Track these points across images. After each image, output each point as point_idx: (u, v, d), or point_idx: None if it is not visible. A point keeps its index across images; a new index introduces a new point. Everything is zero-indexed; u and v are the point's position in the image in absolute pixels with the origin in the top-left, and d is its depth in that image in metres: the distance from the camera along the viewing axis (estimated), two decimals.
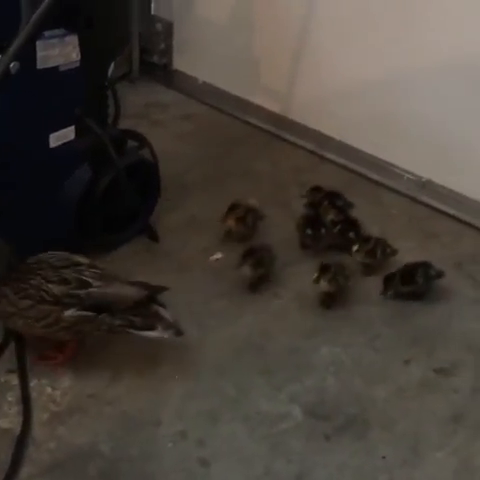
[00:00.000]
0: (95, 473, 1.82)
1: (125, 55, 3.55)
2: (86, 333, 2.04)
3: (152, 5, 3.69)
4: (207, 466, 1.87)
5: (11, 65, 1.70)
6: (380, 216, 2.91)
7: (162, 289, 2.09)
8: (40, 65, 2.07)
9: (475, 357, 2.26)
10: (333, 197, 2.81)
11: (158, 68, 3.78)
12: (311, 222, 2.67)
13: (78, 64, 2.17)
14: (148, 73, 3.71)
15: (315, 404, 2.07)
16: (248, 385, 2.11)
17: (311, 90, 3.26)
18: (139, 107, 3.53)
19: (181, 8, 3.64)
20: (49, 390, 2.04)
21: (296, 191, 2.99)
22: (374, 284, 2.51)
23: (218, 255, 2.59)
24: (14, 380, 2.05)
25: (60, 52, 2.10)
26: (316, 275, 2.36)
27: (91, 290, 1.99)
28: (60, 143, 2.27)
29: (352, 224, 2.70)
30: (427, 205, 2.98)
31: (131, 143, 2.63)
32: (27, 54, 1.93)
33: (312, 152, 3.29)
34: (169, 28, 3.68)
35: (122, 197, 2.47)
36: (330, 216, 2.72)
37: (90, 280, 2.00)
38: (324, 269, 2.36)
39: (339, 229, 2.68)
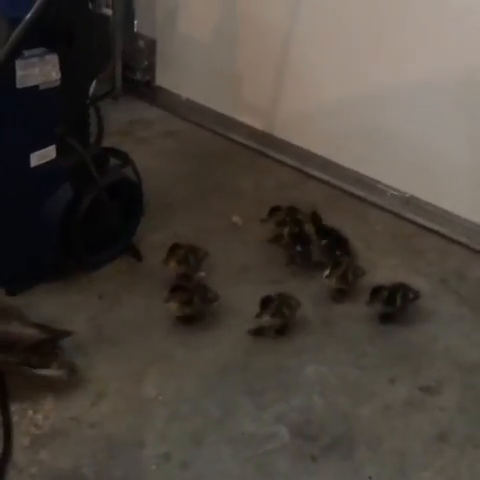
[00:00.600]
0: None
1: (108, 72, 3.53)
2: None
3: (135, 22, 3.68)
4: None
5: None
6: (364, 232, 2.91)
7: (64, 334, 2.12)
8: (19, 84, 2.05)
9: (461, 374, 2.24)
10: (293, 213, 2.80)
11: (141, 85, 3.78)
12: (299, 239, 2.65)
13: (58, 83, 2.16)
14: (131, 90, 3.69)
15: (301, 424, 2.05)
16: (233, 405, 2.09)
17: (294, 107, 3.26)
18: (123, 124, 3.52)
19: (164, 25, 3.64)
20: (31, 413, 2.00)
21: None
22: (357, 302, 2.49)
23: (201, 274, 2.57)
24: None
25: (40, 71, 2.08)
26: (259, 310, 2.27)
27: None
28: (41, 162, 2.25)
29: (340, 241, 2.70)
30: (411, 221, 2.98)
31: (114, 161, 2.61)
32: (6, 73, 1.91)
33: (296, 169, 3.29)
34: (152, 45, 3.69)
35: (104, 216, 2.45)
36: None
37: None
38: (265, 304, 2.28)
39: (326, 244, 2.68)
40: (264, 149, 3.39)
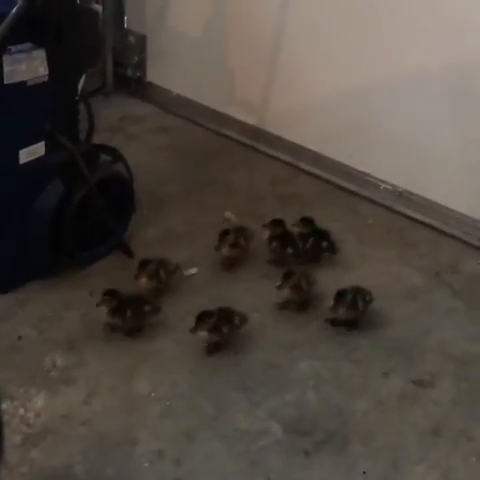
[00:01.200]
0: None
1: (99, 69, 3.54)
2: None
3: (125, 18, 3.66)
4: None
5: None
6: (357, 226, 2.90)
7: None
8: (7, 80, 2.04)
9: (454, 368, 2.23)
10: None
11: (132, 81, 3.76)
12: (286, 241, 2.62)
13: (46, 79, 2.15)
14: (122, 86, 3.70)
15: (294, 419, 2.04)
16: (226, 402, 2.08)
17: (286, 102, 3.25)
18: (114, 121, 3.51)
19: (154, 21, 3.62)
20: (22, 411, 1.99)
21: (273, 203, 2.98)
22: None
23: (193, 270, 2.56)
24: None
25: (27, 67, 2.07)
26: (194, 325, 2.18)
27: None
28: (30, 159, 2.25)
29: (323, 234, 2.68)
30: (404, 215, 2.97)
31: (105, 158, 2.60)
32: None
33: (288, 163, 3.28)
34: (142, 41, 3.67)
35: (95, 213, 2.43)
36: (301, 230, 2.69)
37: None
38: (201, 319, 2.18)
39: (313, 241, 2.65)
40: (256, 144, 3.38)
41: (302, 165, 3.24)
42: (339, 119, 3.08)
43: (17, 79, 2.07)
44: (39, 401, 2.03)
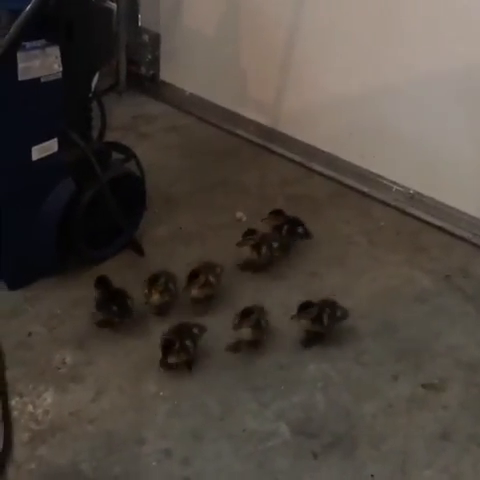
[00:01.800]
0: None
1: (112, 67, 3.52)
2: None
3: (139, 17, 3.66)
4: None
5: None
6: (369, 228, 2.89)
7: None
8: (21, 76, 2.04)
9: (464, 372, 2.23)
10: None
11: (145, 80, 3.76)
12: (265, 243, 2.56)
13: (60, 75, 2.14)
14: (135, 85, 3.68)
15: (303, 421, 2.03)
16: (234, 402, 2.08)
17: (299, 102, 3.24)
18: (126, 119, 3.51)
19: (168, 20, 3.62)
20: (31, 408, 1.99)
21: (284, 204, 2.97)
22: (358, 297, 2.49)
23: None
24: None
25: (41, 63, 2.07)
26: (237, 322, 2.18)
27: None
28: (43, 156, 2.24)
29: (295, 221, 2.68)
30: (416, 217, 2.96)
31: (117, 156, 2.60)
32: (8, 65, 1.90)
33: (300, 164, 3.27)
34: (156, 40, 3.67)
35: (107, 211, 2.43)
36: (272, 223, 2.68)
37: None
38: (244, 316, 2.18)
39: (287, 229, 2.65)
40: (268, 144, 3.37)
41: (314, 166, 3.23)
42: (352, 120, 3.08)
43: (31, 76, 2.06)
44: (48, 398, 2.03)
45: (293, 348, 2.26)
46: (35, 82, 2.09)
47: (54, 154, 2.27)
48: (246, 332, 2.19)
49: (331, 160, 3.18)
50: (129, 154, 2.63)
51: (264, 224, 2.67)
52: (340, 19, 2.98)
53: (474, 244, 2.82)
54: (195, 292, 2.34)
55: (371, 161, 3.06)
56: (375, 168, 3.06)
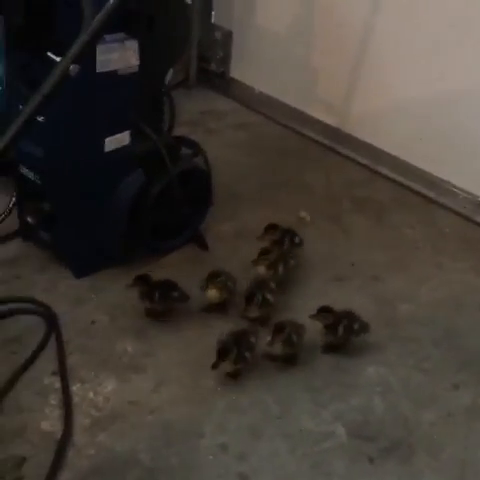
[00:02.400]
0: None
1: (183, 62, 3.55)
2: None
3: (212, 13, 3.68)
4: None
5: (71, 67, 1.69)
6: (433, 235, 2.86)
7: None
8: (99, 68, 2.07)
9: None
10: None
11: (215, 76, 3.78)
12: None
13: (137, 69, 2.17)
14: (205, 81, 3.71)
15: (360, 424, 2.02)
16: (291, 401, 2.08)
17: (369, 104, 3.22)
18: (194, 114, 3.54)
19: (241, 17, 3.63)
20: (91, 395, 2.03)
21: (348, 205, 2.96)
22: (421, 304, 2.46)
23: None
24: (57, 383, 2.04)
25: (120, 56, 2.10)
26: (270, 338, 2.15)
27: None
28: (115, 147, 2.27)
29: (289, 231, 2.61)
30: None
31: (185, 150, 2.62)
32: (87, 57, 1.92)
33: (366, 166, 3.25)
34: (228, 37, 3.68)
35: (174, 204, 2.45)
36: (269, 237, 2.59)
37: None
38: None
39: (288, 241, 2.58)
40: (335, 145, 3.36)
41: (380, 169, 3.21)
42: (421, 124, 3.04)
43: (109, 68, 2.09)
44: (109, 386, 2.06)
45: (353, 351, 2.25)
46: (112, 75, 2.12)
47: (126, 146, 2.30)
48: (278, 347, 2.16)
49: (398, 164, 3.15)
50: (197, 149, 2.65)
51: (260, 241, 2.56)
52: (415, 21, 2.95)
53: None
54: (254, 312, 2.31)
55: (439, 167, 3.02)
56: (443, 174, 3.02)
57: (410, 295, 2.51)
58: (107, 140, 2.24)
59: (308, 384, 2.13)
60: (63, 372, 2.07)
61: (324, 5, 3.30)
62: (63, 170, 2.21)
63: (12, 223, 2.55)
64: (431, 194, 3.06)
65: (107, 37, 2.03)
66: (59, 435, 1.88)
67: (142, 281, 2.27)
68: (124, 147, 2.30)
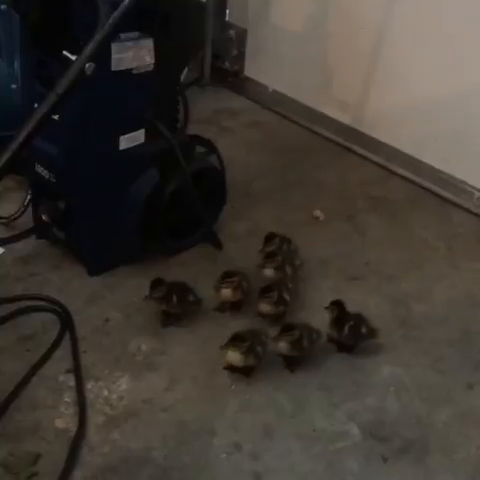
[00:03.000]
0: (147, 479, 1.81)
1: (197, 61, 3.56)
2: None
3: (227, 12, 3.68)
4: None
5: (86, 66, 1.69)
6: (447, 234, 2.85)
7: None
8: (114, 67, 2.07)
9: None
10: None
11: (229, 75, 3.78)
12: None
13: (151, 68, 2.17)
14: (219, 79, 3.71)
15: (374, 424, 2.01)
16: (305, 400, 2.07)
17: (384, 103, 3.21)
18: (208, 113, 3.53)
19: (256, 16, 3.63)
20: (106, 393, 2.03)
21: (363, 204, 2.96)
22: (435, 303, 2.45)
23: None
24: (71, 381, 2.05)
25: (134, 55, 2.10)
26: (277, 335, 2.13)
27: None
28: (130, 146, 2.27)
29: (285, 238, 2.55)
30: None
31: (199, 149, 2.62)
32: (102, 56, 1.93)
33: (381, 166, 3.24)
34: (243, 35, 3.68)
35: (188, 203, 2.45)
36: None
37: None
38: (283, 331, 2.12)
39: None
40: (350, 145, 3.35)
41: (395, 168, 3.20)
42: (437, 123, 3.03)
43: (123, 67, 2.09)
44: (123, 384, 2.06)
45: (366, 350, 2.24)
46: (127, 73, 2.12)
47: (141, 144, 2.30)
48: (283, 347, 2.13)
49: (413, 163, 3.14)
50: (211, 148, 2.65)
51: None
52: (431, 19, 2.93)
53: None
54: (266, 308, 2.30)
55: (455, 166, 3.01)
56: (458, 173, 3.01)
57: (425, 295, 2.50)
58: (122, 138, 2.24)
59: (322, 383, 2.13)
60: (77, 370, 2.07)
61: (339, 3, 3.29)
62: (78, 168, 2.22)
63: (27, 221, 2.56)
64: (446, 194, 3.05)
65: (122, 36, 2.03)
66: (73, 433, 1.89)
67: (159, 286, 2.25)
68: (139, 145, 2.30)
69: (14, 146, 1.64)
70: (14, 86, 2.70)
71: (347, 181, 3.15)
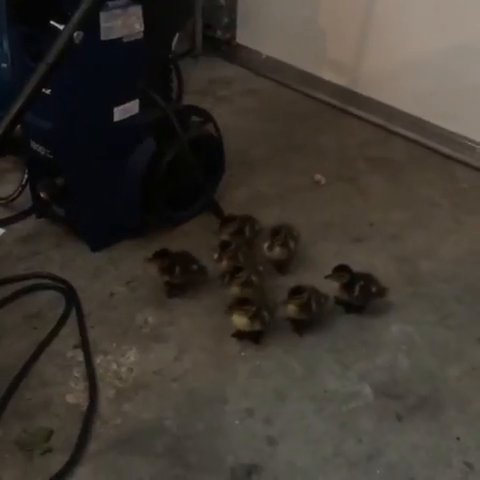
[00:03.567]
0: (161, 449, 1.80)
1: (188, 31, 3.53)
2: None
3: None
4: (274, 444, 1.83)
5: (75, 34, 1.66)
6: (451, 190, 2.83)
7: None
8: (104, 36, 2.04)
9: None
10: None
11: (222, 43, 3.74)
12: None
13: (141, 36, 2.13)
14: (211, 49, 3.67)
15: (386, 383, 2.00)
16: (316, 363, 2.06)
17: (379, 63, 3.18)
18: (203, 83, 3.51)
19: None
20: (115, 366, 2.02)
21: (363, 166, 2.93)
22: (441, 260, 2.44)
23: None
24: (80, 356, 2.04)
25: (123, 23, 2.06)
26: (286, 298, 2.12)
27: None
28: (124, 117, 2.24)
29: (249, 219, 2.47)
30: None
31: (195, 119, 2.59)
32: (90, 25, 1.89)
33: (380, 126, 3.22)
34: (233, 2, 3.64)
35: (186, 172, 2.43)
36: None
37: None
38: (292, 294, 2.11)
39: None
40: (347, 107, 3.33)
41: (394, 128, 3.17)
42: (435, 80, 3.00)
43: (113, 36, 2.06)
44: (131, 357, 2.05)
45: (374, 310, 2.23)
46: (117, 42, 2.08)
47: (135, 115, 2.27)
48: (292, 310, 2.12)
49: (412, 121, 3.11)
50: (206, 117, 2.62)
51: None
52: None
53: None
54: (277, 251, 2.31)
55: (454, 122, 2.98)
56: (458, 129, 2.98)
57: (431, 252, 2.48)
58: (116, 109, 2.21)
59: (332, 345, 2.11)
60: (85, 345, 2.07)
61: None
62: (73, 142, 2.19)
63: (25, 201, 2.54)
64: (447, 150, 3.03)
65: (110, 4, 1.99)
66: (85, 407, 1.88)
67: (161, 256, 2.23)
68: (133, 116, 2.27)
69: (7, 121, 1.61)
70: (4, 65, 2.67)
71: (347, 144, 3.12)
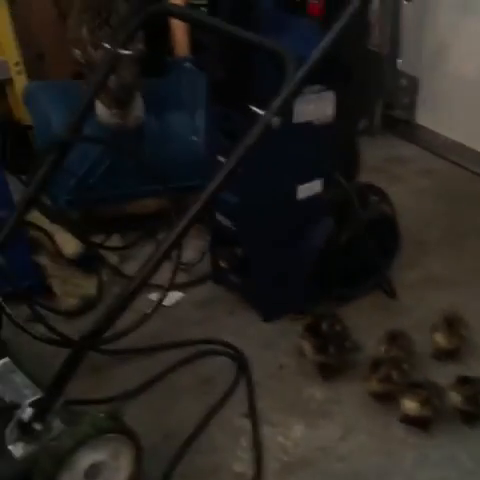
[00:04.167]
0: None
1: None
2: None
3: (399, 61, 3.68)
4: None
5: (273, 120, 1.74)
6: None
7: None
8: (296, 119, 2.13)
9: None
10: None
11: (400, 122, 3.76)
12: None
13: (331, 120, 2.21)
14: (389, 127, 3.71)
15: None
16: None
17: None
18: (379, 161, 3.53)
19: (428, 64, 3.61)
20: (281, 439, 2.05)
21: None
22: None
23: None
24: (248, 425, 2.08)
25: (316, 108, 2.14)
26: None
27: None
28: (307, 195, 2.31)
29: None
30: None
31: (371, 197, 2.62)
32: (288, 111, 1.99)
33: None
34: (414, 83, 3.67)
35: (362, 250, 2.46)
36: None
37: None
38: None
39: None
40: None
41: None
42: None
43: (304, 119, 2.15)
44: (298, 431, 2.07)
45: None
46: (307, 125, 2.17)
47: (318, 193, 2.34)
48: (457, 400, 2.06)
49: None
50: (383, 196, 2.65)
51: None
52: None
53: None
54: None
55: None
56: None
57: None
58: (299, 188, 2.28)
59: None
60: (253, 415, 2.11)
61: None
62: (257, 217, 2.28)
63: (204, 267, 2.66)
64: None
65: (305, 89, 2.07)
66: (250, 478, 1.92)
67: (313, 332, 2.24)
68: (316, 194, 2.33)
69: (205, 197, 1.71)
70: (194, 138, 2.82)
71: None
